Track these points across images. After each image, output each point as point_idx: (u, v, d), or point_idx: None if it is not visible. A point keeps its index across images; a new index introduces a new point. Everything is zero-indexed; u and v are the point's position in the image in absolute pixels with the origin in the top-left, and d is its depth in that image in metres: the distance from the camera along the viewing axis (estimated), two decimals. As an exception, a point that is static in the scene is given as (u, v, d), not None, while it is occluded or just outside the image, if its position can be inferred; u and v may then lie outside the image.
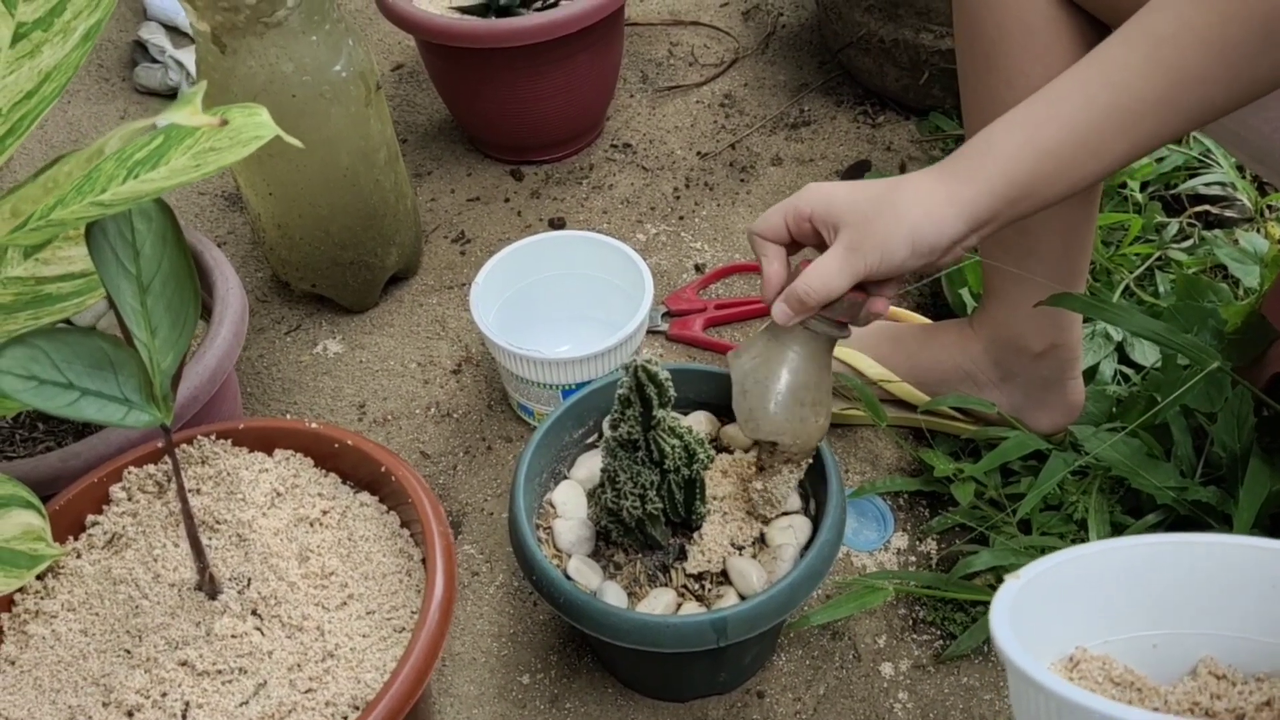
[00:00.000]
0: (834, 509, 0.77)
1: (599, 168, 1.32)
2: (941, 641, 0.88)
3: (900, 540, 0.95)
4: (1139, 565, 0.58)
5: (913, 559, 0.94)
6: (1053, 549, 0.92)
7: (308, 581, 0.74)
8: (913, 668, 0.86)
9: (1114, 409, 1.00)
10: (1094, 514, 0.91)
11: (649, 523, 0.74)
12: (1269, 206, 1.16)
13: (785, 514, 0.81)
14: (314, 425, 0.80)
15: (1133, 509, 0.93)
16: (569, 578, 0.77)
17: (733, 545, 0.78)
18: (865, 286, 0.70)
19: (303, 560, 0.75)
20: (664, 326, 1.12)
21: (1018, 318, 0.91)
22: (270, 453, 0.81)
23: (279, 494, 0.78)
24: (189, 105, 0.52)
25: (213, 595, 0.72)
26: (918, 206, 0.66)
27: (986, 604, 0.88)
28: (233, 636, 0.71)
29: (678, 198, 1.27)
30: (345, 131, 1.02)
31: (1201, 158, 1.21)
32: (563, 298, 1.07)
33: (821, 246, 0.71)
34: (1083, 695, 0.45)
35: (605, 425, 0.75)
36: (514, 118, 1.27)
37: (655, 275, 1.18)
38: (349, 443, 0.79)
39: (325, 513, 0.77)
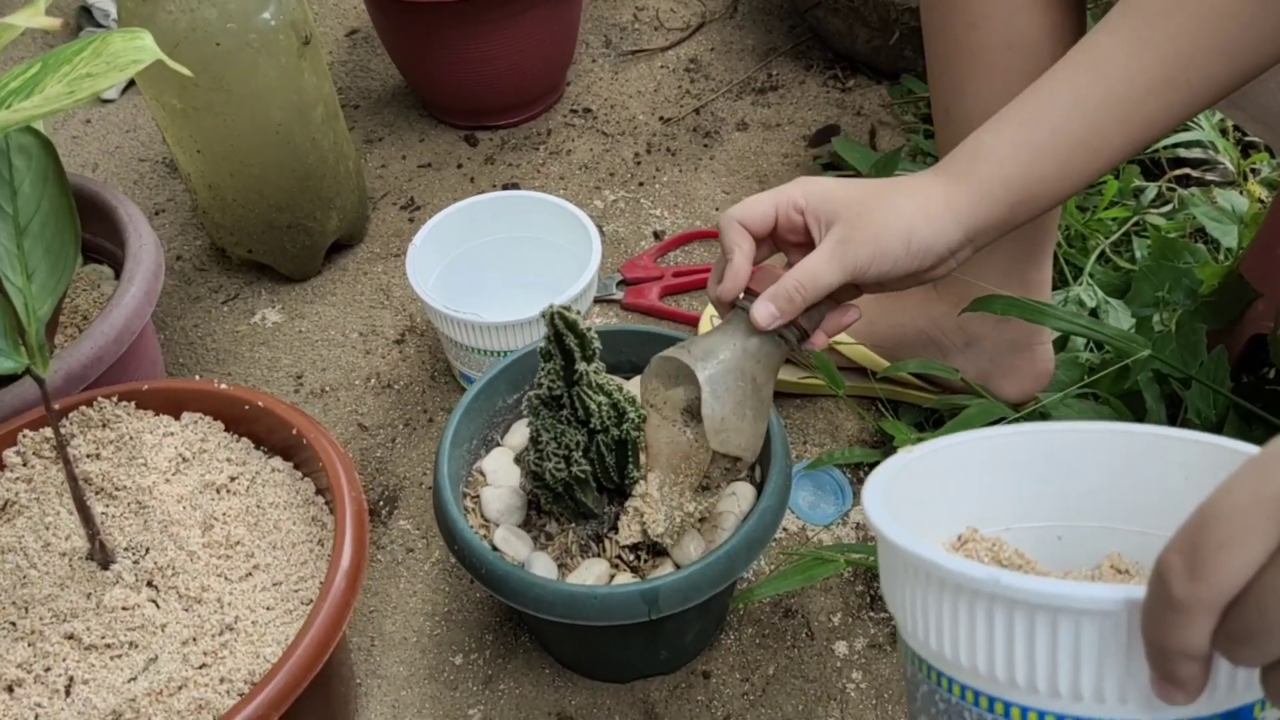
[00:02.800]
0: (777, 474, 0.72)
1: (557, 133, 1.27)
2: (900, 619, 0.83)
3: (858, 514, 0.90)
4: (1048, 450, 0.53)
5: (870, 535, 0.89)
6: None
7: (210, 551, 0.68)
8: (868, 646, 0.81)
9: (1085, 377, 0.95)
10: (1063, 485, 0.86)
11: (577, 487, 0.69)
12: (1252, 169, 1.11)
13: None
14: (223, 386, 0.75)
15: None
16: (495, 548, 0.72)
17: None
18: (838, 295, 0.65)
19: (206, 529, 0.69)
20: (619, 295, 1.07)
21: (983, 276, 0.86)
22: (177, 416, 0.75)
23: (184, 459, 0.73)
24: (32, 8, 0.47)
25: (105, 565, 0.67)
26: (915, 207, 0.61)
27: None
28: (124, 609, 0.66)
29: (638, 163, 1.22)
30: (276, 85, 0.96)
31: (1182, 120, 1.15)
32: (507, 262, 1.02)
33: (801, 246, 0.66)
34: (924, 548, 0.42)
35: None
36: (466, 79, 1.21)
37: (612, 243, 1.13)
38: (260, 404, 0.74)
39: (233, 479, 0.72)
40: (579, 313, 0.61)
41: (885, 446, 0.93)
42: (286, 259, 1.08)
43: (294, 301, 1.09)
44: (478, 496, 0.76)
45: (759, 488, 0.76)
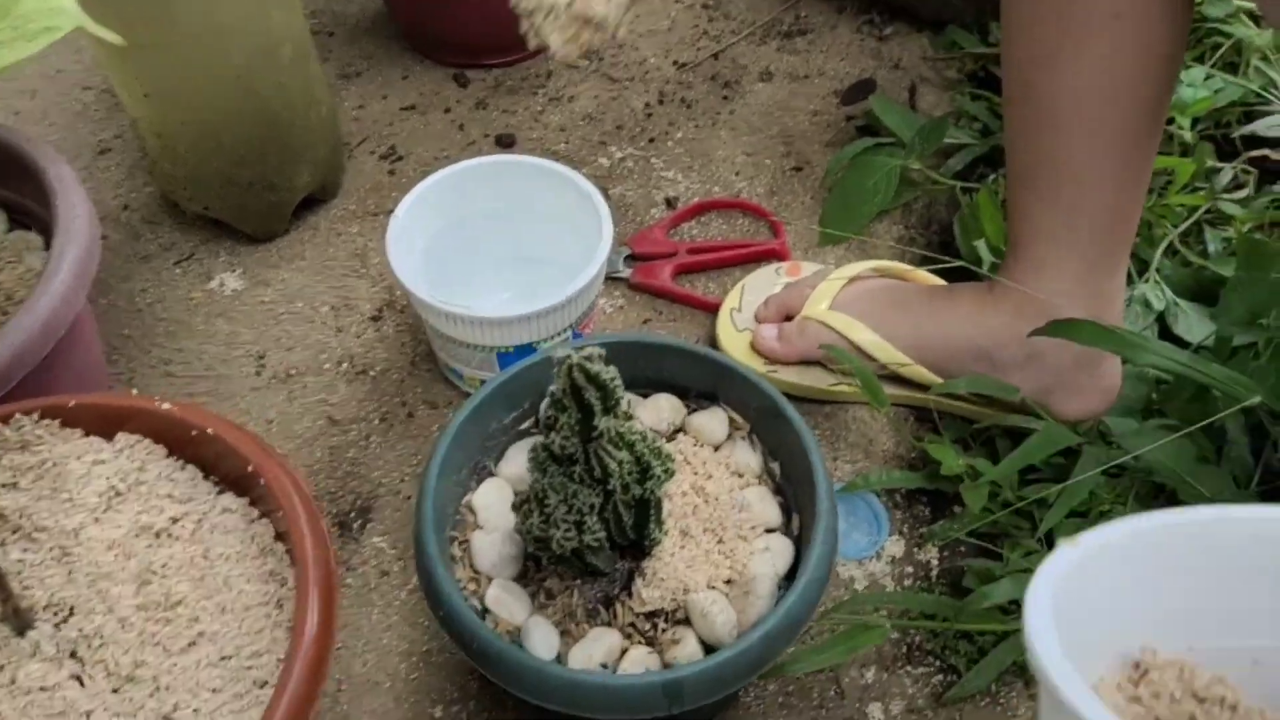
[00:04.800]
0: (822, 533, 0.61)
1: (558, 76, 1.13)
2: (941, 676, 0.73)
3: (895, 546, 0.80)
4: (1242, 546, 0.41)
5: (909, 570, 0.79)
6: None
7: (146, 614, 0.57)
8: (906, 710, 0.71)
9: (1153, 395, 0.84)
10: (1129, 526, 0.76)
11: (587, 553, 0.58)
12: (1338, 153, 0.99)
13: (764, 531, 0.65)
14: (166, 405, 0.63)
15: (1173, 518, 0.78)
16: (486, 610, 0.61)
17: (690, 569, 0.62)
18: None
19: (142, 584, 0.58)
20: (626, 272, 0.95)
21: (1049, 284, 0.75)
22: (111, 438, 0.63)
23: (118, 493, 0.61)
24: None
25: (21, 630, 0.56)
26: None
27: (996, 633, 0.73)
28: (41, 689, 0.54)
29: (649, 115, 1.09)
30: (236, 20, 0.82)
31: (1262, 92, 1.03)
32: (502, 237, 0.89)
33: None
34: None
35: (541, 412, 0.59)
36: (457, 9, 1.07)
37: (620, 209, 1.00)
38: (210, 431, 0.62)
39: (176, 520, 0.60)
40: (599, 355, 0.50)
41: (926, 469, 0.82)
42: (249, 217, 0.95)
43: (257, 265, 0.96)
44: (466, 541, 0.65)
45: (796, 540, 0.65)
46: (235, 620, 0.57)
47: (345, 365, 0.89)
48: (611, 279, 0.95)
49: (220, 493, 0.63)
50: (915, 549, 0.80)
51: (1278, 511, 0.41)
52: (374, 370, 0.89)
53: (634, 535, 0.59)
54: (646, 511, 0.57)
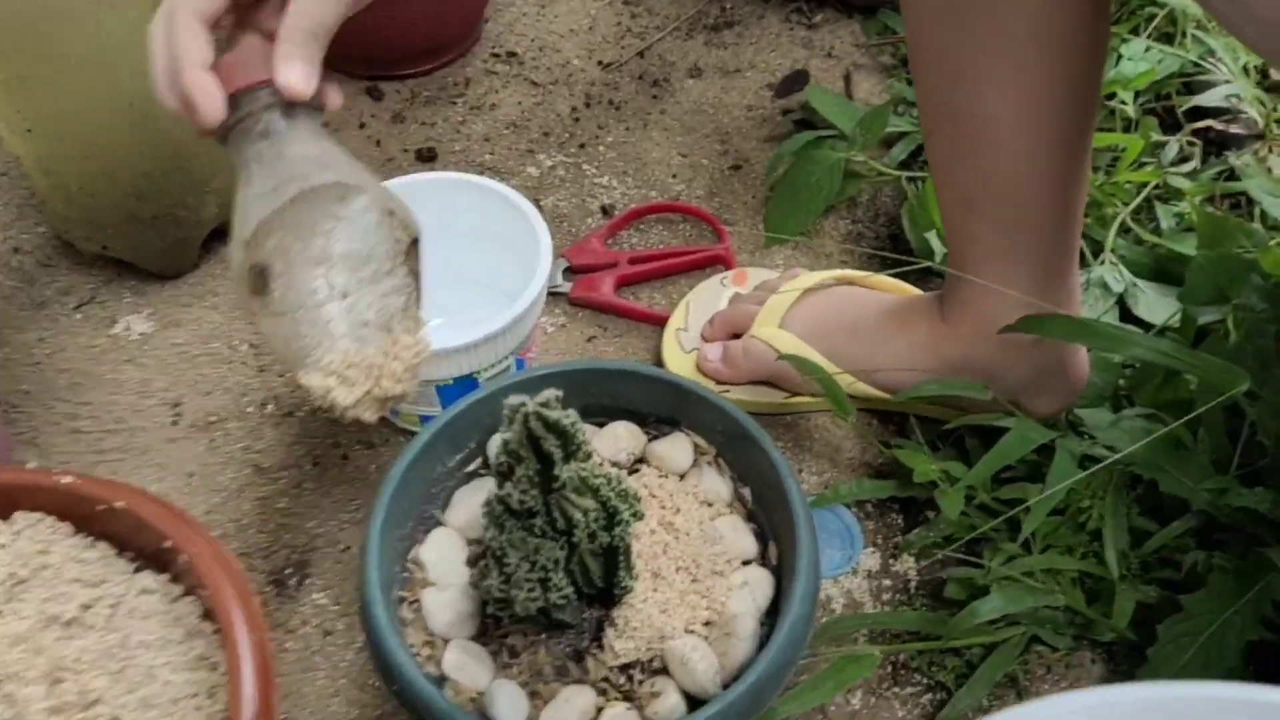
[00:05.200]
0: (805, 566, 0.56)
1: (477, 83, 1.07)
2: (930, 695, 0.70)
3: (870, 559, 0.76)
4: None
5: (887, 583, 0.75)
6: (1066, 572, 0.73)
7: (60, 718, 0.51)
8: (898, 737, 0.67)
9: (1120, 380, 0.81)
10: (1110, 522, 0.73)
11: (553, 610, 0.52)
12: (1278, 121, 0.98)
13: (740, 564, 0.61)
14: (68, 479, 0.56)
15: (1152, 509, 0.75)
16: (446, 678, 0.56)
17: (664, 614, 0.57)
18: None
19: (54, 683, 0.51)
20: (566, 287, 0.90)
21: (1003, 307, 0.70)
22: (7, 517, 0.57)
23: (20, 581, 0.54)
24: None
25: (-86, 749, 0.50)
26: None
27: (984, 646, 0.70)
28: (-59, 818, 0.48)
29: (576, 120, 1.03)
30: (127, 44, 0.75)
31: (1200, 61, 1.01)
32: (433, 257, 0.82)
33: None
34: None
35: (493, 459, 0.53)
36: (365, 18, 1.00)
37: (554, 220, 0.95)
38: (119, 504, 0.55)
39: (88, 607, 0.54)
40: (555, 402, 0.44)
41: (897, 476, 0.78)
42: (153, 254, 0.88)
43: (165, 305, 0.89)
44: (417, 601, 0.59)
45: (775, 572, 0.60)
46: (161, 716, 0.51)
47: (270, 407, 0.83)
48: (550, 295, 0.89)
49: (137, 571, 0.56)
50: (891, 560, 0.76)
51: (1201, 690, 0.38)
52: (301, 411, 0.83)
53: (602, 584, 0.54)
54: (615, 559, 0.52)
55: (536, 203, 0.96)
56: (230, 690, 0.50)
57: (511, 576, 0.49)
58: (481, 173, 0.97)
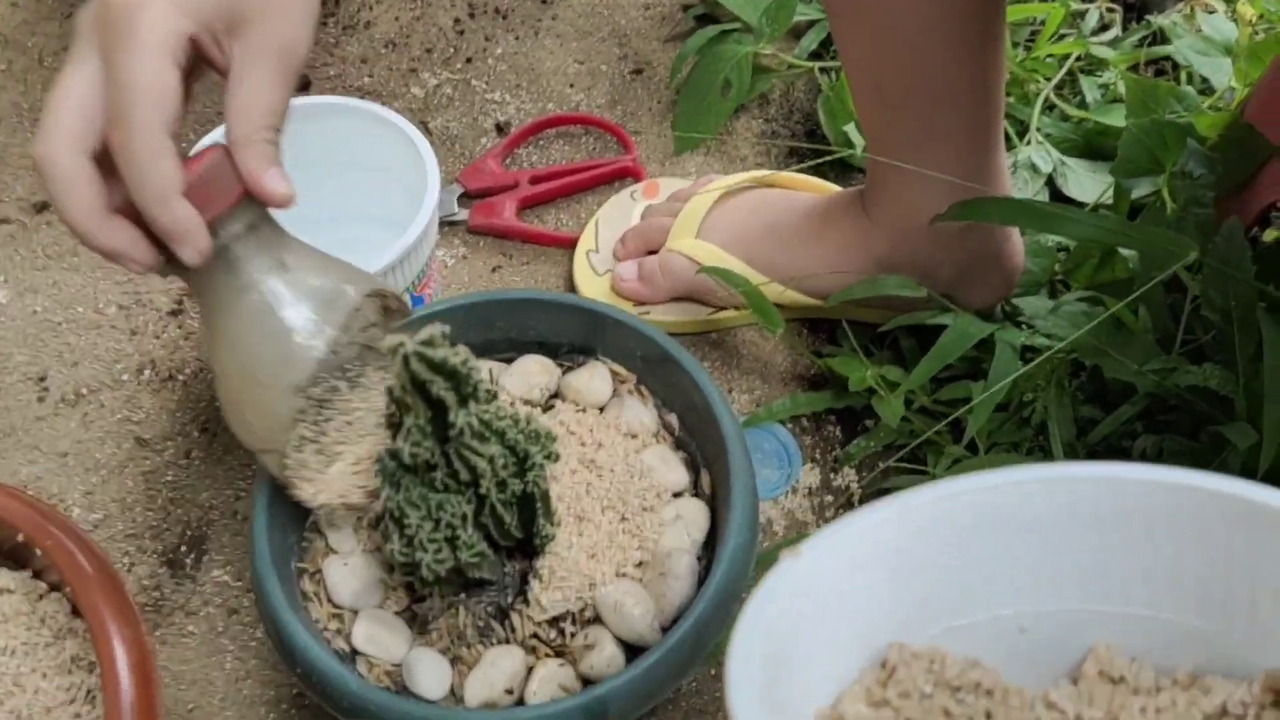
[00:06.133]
0: (740, 491, 0.52)
1: (348, 0, 0.98)
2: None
3: (811, 475, 0.72)
4: (987, 513, 0.39)
5: (829, 499, 0.71)
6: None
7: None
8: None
9: (1056, 265, 0.77)
10: (1055, 414, 0.69)
11: (467, 569, 0.47)
12: (1200, -20, 0.93)
13: (671, 497, 0.56)
14: (-105, 474, 0.49)
15: (1097, 396, 0.72)
16: (357, 653, 0.50)
17: (593, 559, 0.52)
18: None
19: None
20: (463, 214, 0.83)
21: (930, 196, 0.65)
22: None
23: None
24: None
25: None
26: None
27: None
28: None
29: (461, 33, 0.95)
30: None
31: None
32: (310, 193, 0.75)
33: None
34: None
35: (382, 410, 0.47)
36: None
37: (444, 142, 0.88)
38: (-43, 498, 0.48)
39: (-65, 617, 0.47)
40: (442, 338, 0.38)
41: (832, 386, 0.74)
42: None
43: (18, 270, 0.80)
44: (319, 572, 0.53)
45: (710, 501, 0.56)
46: (32, 733, 0.45)
47: (147, 373, 0.75)
48: (447, 225, 0.82)
49: (-9, 569, 0.50)
50: (832, 475, 0.72)
51: (1006, 476, 0.39)
52: (183, 374, 0.75)
53: (520, 535, 0.49)
54: (532, 506, 0.47)
55: (424, 125, 0.89)
56: (105, 695, 0.44)
57: (414, 538, 0.44)
58: (362, 97, 0.89)
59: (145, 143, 0.42)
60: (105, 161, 0.44)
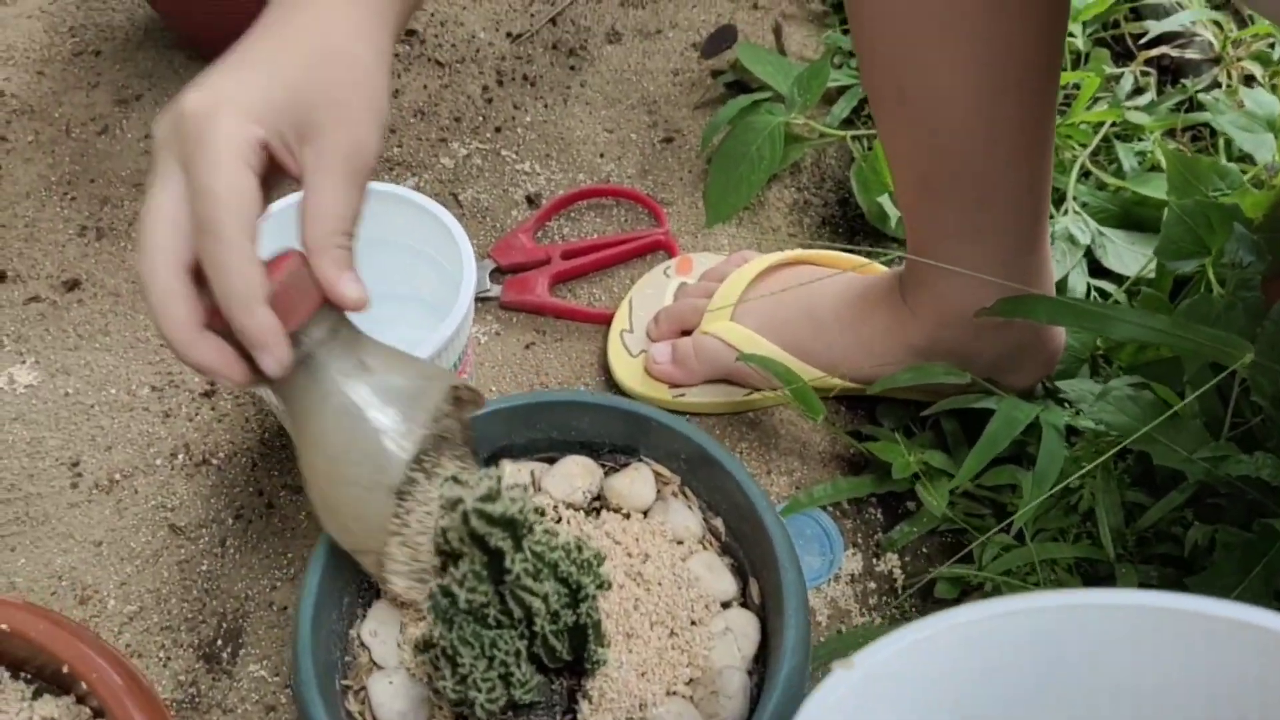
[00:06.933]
0: (794, 609, 0.51)
1: (377, 67, 0.98)
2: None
3: (853, 562, 0.71)
4: (1031, 635, 0.40)
5: (871, 586, 0.70)
6: (1061, 561, 0.69)
7: None
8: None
9: (1099, 343, 0.76)
10: (1103, 500, 0.68)
11: (520, 702, 0.46)
12: (1234, 42, 0.92)
13: (719, 607, 0.55)
14: (-62, 602, 0.48)
15: (1143, 479, 0.71)
16: (403, 778, 0.49)
17: (643, 678, 0.51)
18: None
19: None
20: (495, 290, 0.82)
21: (971, 289, 0.64)
22: (-127, 652, 0.49)
23: (-106, 727, 0.47)
24: None
25: None
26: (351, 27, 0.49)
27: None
28: None
29: (489, 101, 0.95)
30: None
31: (1146, -16, 0.95)
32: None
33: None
34: None
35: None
36: (237, 2, 0.90)
37: (475, 215, 0.87)
38: (4, 627, 0.47)
39: (-23, 750, 0.47)
40: (497, 487, 0.38)
41: (873, 469, 0.73)
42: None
43: (50, 350, 0.80)
44: (364, 689, 0.52)
45: (760, 612, 0.55)
46: None
47: (181, 457, 0.75)
48: (480, 301, 0.82)
49: (36, 696, 0.49)
50: (874, 560, 0.71)
51: (1052, 599, 0.40)
52: (216, 458, 0.75)
53: (571, 659, 0.48)
54: (584, 635, 0.46)
55: (455, 197, 0.88)
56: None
57: (467, 677, 0.43)
58: (390, 168, 0.89)
59: (230, 250, 0.43)
60: (198, 270, 0.44)
